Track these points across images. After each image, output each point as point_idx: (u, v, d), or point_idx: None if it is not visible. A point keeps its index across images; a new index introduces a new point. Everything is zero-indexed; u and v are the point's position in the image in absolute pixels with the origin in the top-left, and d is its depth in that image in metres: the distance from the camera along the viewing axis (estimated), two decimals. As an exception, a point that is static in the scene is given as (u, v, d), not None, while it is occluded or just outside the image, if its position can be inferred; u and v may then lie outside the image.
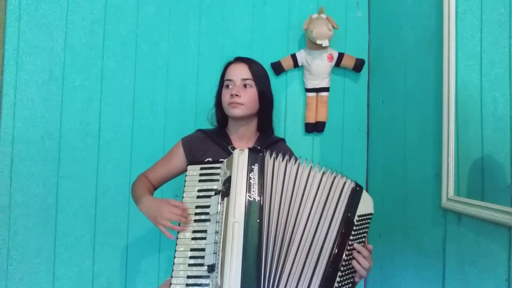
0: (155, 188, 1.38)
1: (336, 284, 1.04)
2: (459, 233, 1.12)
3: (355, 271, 1.09)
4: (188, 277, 1.07)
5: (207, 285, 1.04)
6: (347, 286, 1.07)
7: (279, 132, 1.83)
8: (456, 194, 1.15)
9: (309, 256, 1.05)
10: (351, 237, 1.08)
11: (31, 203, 1.68)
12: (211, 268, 1.02)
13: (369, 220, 1.14)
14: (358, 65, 1.84)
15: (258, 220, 1.02)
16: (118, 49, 1.76)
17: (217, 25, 1.82)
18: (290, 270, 1.03)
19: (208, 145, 1.36)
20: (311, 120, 1.82)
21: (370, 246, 1.11)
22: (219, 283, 0.97)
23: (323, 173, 1.12)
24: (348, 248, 1.07)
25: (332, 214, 1.09)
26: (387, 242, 1.63)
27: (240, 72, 1.32)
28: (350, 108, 1.88)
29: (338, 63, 1.82)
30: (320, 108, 1.82)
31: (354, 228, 1.10)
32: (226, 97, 1.32)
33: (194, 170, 1.20)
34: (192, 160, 1.33)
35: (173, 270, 1.09)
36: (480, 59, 1.07)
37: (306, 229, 1.07)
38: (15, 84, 1.68)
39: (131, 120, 1.77)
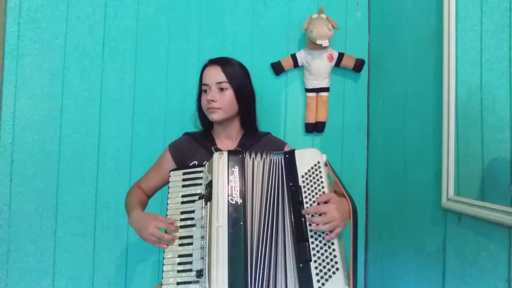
0: (149, 197, 1.38)
1: (313, 252, 1.00)
2: (459, 233, 1.12)
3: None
4: (178, 283, 1.06)
5: None
6: (327, 247, 1.02)
7: (279, 132, 1.83)
8: (456, 194, 1.14)
9: (280, 242, 1.03)
10: (305, 200, 1.05)
11: (31, 203, 1.69)
12: (200, 273, 1.03)
13: (319, 170, 1.09)
14: (358, 65, 1.84)
15: (241, 223, 1.02)
16: (118, 49, 1.76)
17: (217, 25, 1.83)
18: (276, 265, 1.01)
19: (195, 147, 1.36)
20: (311, 120, 1.82)
21: (324, 197, 1.04)
22: (207, 287, 0.97)
23: (271, 160, 1.10)
24: (308, 212, 1.03)
25: (282, 193, 1.07)
26: (387, 242, 1.63)
27: (214, 76, 1.30)
28: (350, 108, 1.88)
29: (338, 63, 1.82)
30: (320, 108, 1.82)
31: (304, 190, 1.06)
32: (203, 102, 1.32)
33: (177, 176, 1.21)
34: (180, 164, 1.32)
35: (162, 278, 1.08)
36: (480, 59, 1.07)
37: (279, 220, 1.05)
38: (15, 84, 1.69)
39: (131, 120, 1.77)
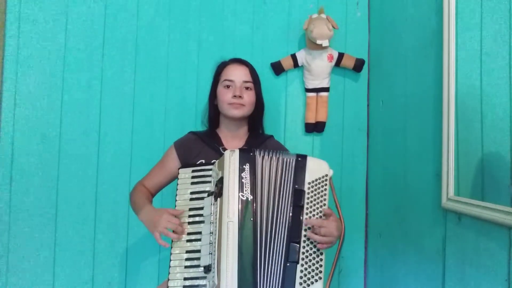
0: (153, 195, 1.39)
1: (302, 255, 1.04)
2: (459, 233, 1.12)
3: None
4: (185, 279, 1.08)
5: (204, 286, 1.06)
6: (315, 254, 1.06)
7: (279, 132, 1.84)
8: (456, 194, 1.14)
9: (280, 239, 1.06)
10: (306, 206, 1.09)
11: (31, 203, 1.68)
12: (207, 269, 1.04)
13: (325, 182, 1.13)
14: (358, 65, 1.83)
15: (252, 219, 1.05)
16: (118, 49, 1.76)
17: (217, 25, 1.82)
18: (280, 262, 1.04)
19: (200, 146, 1.37)
20: (311, 120, 1.82)
21: (327, 211, 1.10)
22: (216, 282, 0.98)
23: (272, 158, 1.14)
24: (306, 217, 1.08)
25: (287, 192, 1.10)
26: (387, 242, 1.63)
27: (241, 74, 1.35)
28: (350, 108, 1.88)
29: (338, 63, 1.82)
30: (320, 108, 1.82)
31: (307, 196, 1.10)
32: (226, 97, 1.33)
33: (185, 173, 1.22)
34: (185, 162, 1.33)
35: (169, 273, 1.10)
36: (480, 59, 1.07)
37: (283, 219, 1.08)
38: (15, 84, 1.69)
39: (131, 120, 1.77)
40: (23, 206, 1.68)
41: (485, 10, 1.06)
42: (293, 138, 1.85)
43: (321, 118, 1.82)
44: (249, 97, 1.34)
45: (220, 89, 1.36)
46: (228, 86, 1.34)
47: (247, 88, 1.35)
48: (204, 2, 1.82)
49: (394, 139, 1.59)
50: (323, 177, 1.13)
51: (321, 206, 1.10)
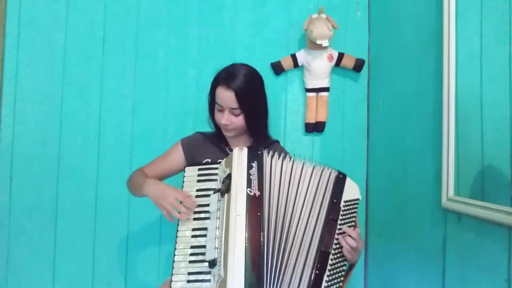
0: None
1: (329, 267, 1.08)
2: (459, 233, 1.12)
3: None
4: (189, 273, 1.08)
5: (208, 280, 1.06)
6: (340, 268, 1.11)
7: (279, 132, 1.84)
8: (456, 194, 1.15)
9: (303, 243, 1.10)
10: (339, 221, 1.13)
11: (31, 203, 1.69)
12: (213, 263, 1.05)
13: (356, 205, 1.19)
14: (358, 65, 1.83)
15: (259, 214, 1.06)
16: (118, 49, 1.76)
17: (217, 26, 1.82)
18: (288, 259, 1.07)
19: (207, 146, 1.38)
20: (311, 120, 1.82)
21: (357, 229, 1.16)
22: (222, 275, 0.99)
23: (313, 167, 1.19)
24: (338, 232, 1.12)
25: (321, 202, 1.15)
26: (387, 242, 1.63)
27: (228, 101, 1.27)
28: (350, 108, 1.88)
29: (338, 63, 1.82)
30: (320, 108, 1.82)
31: (342, 213, 1.15)
32: (218, 118, 1.32)
33: (192, 171, 1.23)
34: (190, 160, 1.35)
35: (173, 268, 1.10)
36: (480, 59, 1.07)
37: (300, 219, 1.12)
38: (15, 84, 1.69)
39: (131, 120, 1.77)
40: (23, 206, 1.68)
41: (485, 10, 1.06)
42: (293, 138, 1.86)
43: (321, 118, 1.82)
44: (237, 121, 1.30)
45: (215, 108, 1.33)
46: (218, 108, 1.31)
47: (235, 114, 1.29)
48: (204, 2, 1.82)
49: (394, 139, 1.59)
50: (356, 199, 1.20)
51: (350, 226, 1.15)
